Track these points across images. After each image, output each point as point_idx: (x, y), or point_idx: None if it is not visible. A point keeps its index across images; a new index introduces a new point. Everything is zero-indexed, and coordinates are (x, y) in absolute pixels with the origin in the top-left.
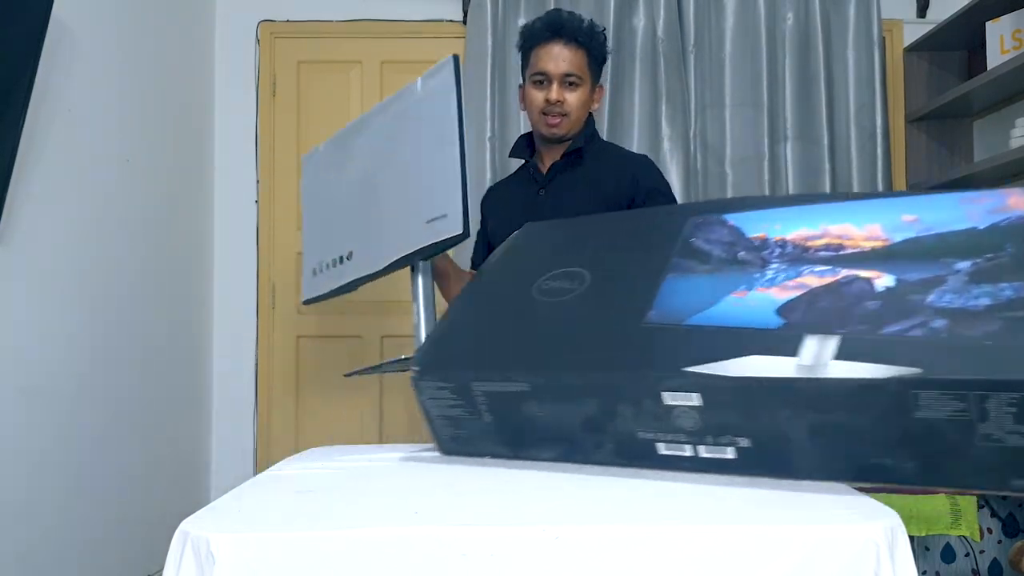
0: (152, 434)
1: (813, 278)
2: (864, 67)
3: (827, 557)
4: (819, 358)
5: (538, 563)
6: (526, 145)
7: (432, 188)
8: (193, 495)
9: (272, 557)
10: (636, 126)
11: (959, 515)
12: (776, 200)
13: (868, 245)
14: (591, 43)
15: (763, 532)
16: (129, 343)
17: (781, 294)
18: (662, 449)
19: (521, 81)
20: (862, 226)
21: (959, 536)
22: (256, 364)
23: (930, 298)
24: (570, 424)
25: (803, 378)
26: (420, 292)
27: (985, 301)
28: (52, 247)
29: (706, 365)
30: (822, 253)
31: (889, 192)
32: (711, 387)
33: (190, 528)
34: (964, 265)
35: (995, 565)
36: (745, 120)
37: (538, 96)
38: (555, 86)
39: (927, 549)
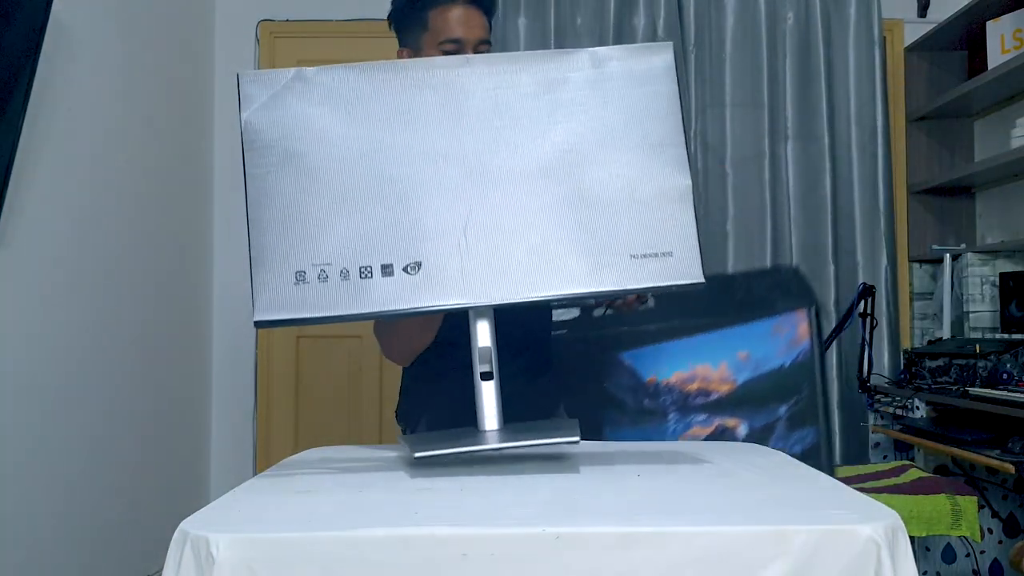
0: (152, 434)
1: (699, 428)
2: (864, 67)
3: (827, 557)
4: None
5: (538, 563)
6: None
7: (641, 210)
8: (193, 495)
9: (272, 557)
10: None
11: (959, 515)
12: (649, 331)
13: (724, 388)
14: (492, 5)
15: (763, 532)
16: (129, 343)
17: None
18: None
19: (402, 50)
20: (717, 365)
21: (959, 536)
22: (256, 364)
23: (771, 445)
24: None
25: None
26: (480, 342)
27: (798, 448)
28: (52, 247)
29: None
30: (699, 400)
31: (733, 319)
32: None
33: (190, 528)
34: (783, 410)
35: (995, 565)
36: (745, 120)
37: None
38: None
39: (927, 549)
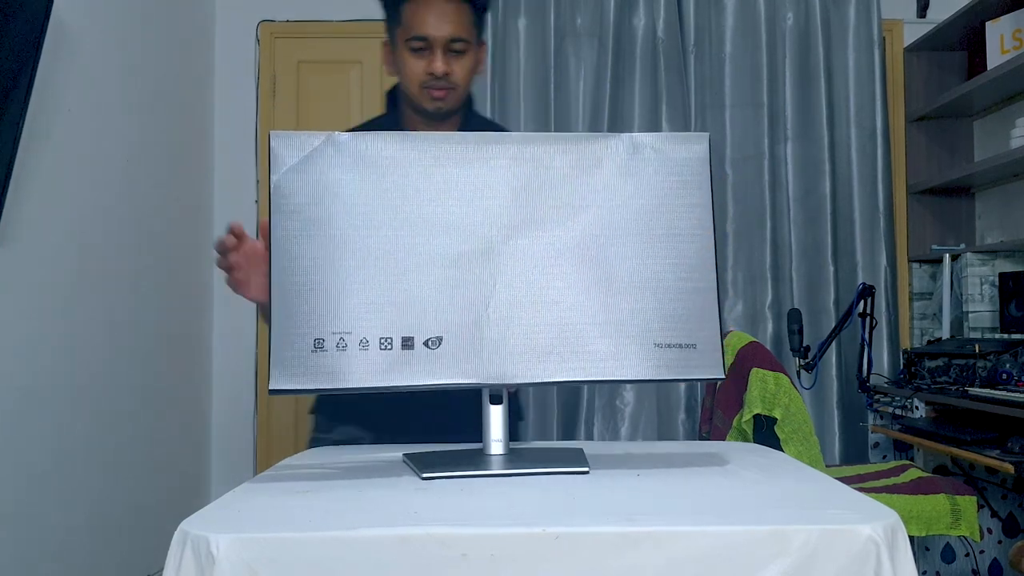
0: (152, 434)
1: None
2: (864, 67)
3: (827, 557)
4: None
5: (538, 563)
6: (393, 107)
7: (666, 300)
8: (193, 495)
9: (272, 557)
10: (636, 126)
11: (959, 515)
12: None
13: None
14: None
15: (763, 532)
16: (129, 343)
17: None
18: None
19: (386, 38)
20: None
21: (959, 536)
22: (256, 364)
23: None
24: None
25: None
26: (492, 427)
27: None
28: (52, 247)
29: None
30: None
31: None
32: None
33: (190, 528)
34: None
35: (995, 565)
36: (745, 120)
37: (417, 67)
38: (439, 55)
39: (927, 549)
